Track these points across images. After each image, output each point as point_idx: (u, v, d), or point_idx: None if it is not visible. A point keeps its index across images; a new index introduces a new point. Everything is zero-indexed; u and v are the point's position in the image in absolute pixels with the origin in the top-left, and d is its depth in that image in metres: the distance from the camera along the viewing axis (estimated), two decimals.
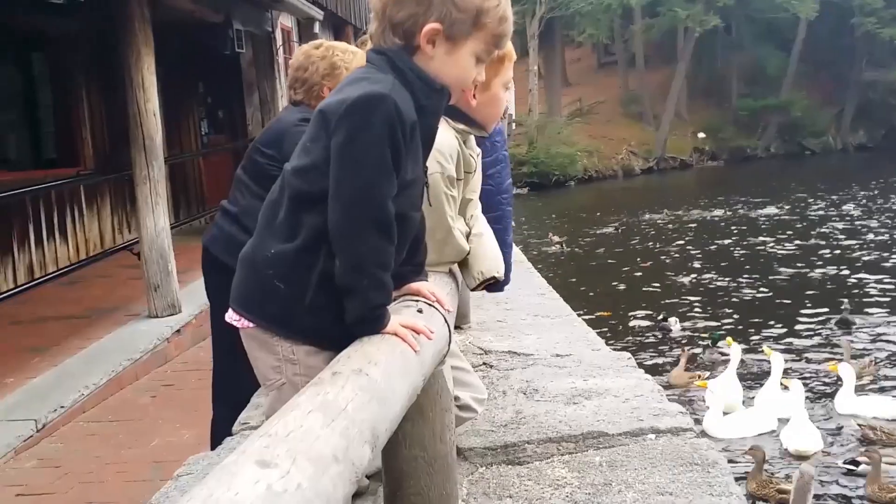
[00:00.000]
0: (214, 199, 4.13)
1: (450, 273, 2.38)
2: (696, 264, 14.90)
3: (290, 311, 1.74)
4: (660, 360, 9.24)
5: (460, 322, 4.05)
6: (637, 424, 2.58)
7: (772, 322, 10.58)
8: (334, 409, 1.23)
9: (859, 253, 15.04)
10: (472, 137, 2.43)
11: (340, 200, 1.63)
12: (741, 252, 15.91)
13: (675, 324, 10.29)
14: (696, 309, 11.61)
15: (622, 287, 13.44)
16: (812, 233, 17.51)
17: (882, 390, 7.92)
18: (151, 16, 6.48)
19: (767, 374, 7.83)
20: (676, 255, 16.01)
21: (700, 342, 9.83)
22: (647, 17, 37.06)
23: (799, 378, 7.73)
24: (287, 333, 1.77)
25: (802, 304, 11.40)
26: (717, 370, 8.43)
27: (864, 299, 11.53)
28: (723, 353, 9.02)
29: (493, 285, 2.79)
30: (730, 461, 5.60)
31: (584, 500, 2.18)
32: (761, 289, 12.61)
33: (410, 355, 1.63)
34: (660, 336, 10.23)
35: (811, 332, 10.10)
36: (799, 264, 14.21)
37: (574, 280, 13.88)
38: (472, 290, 2.44)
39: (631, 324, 10.81)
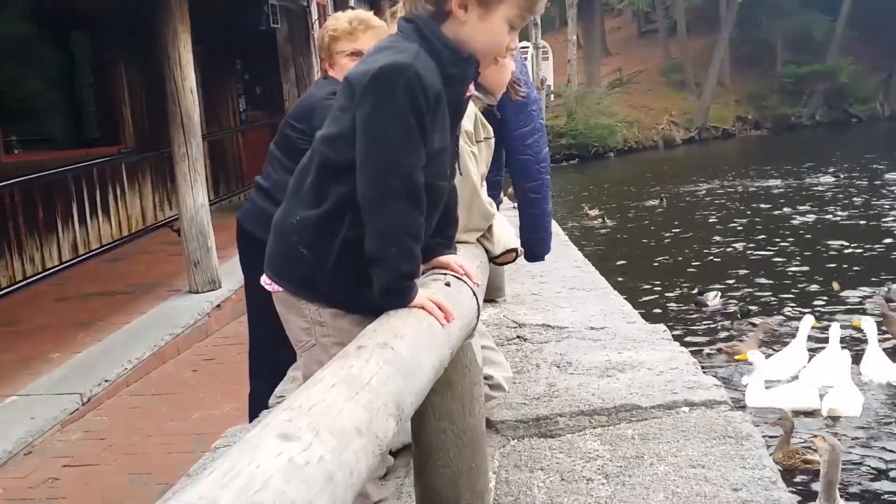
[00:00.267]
0: (253, 176, 4.18)
1: (478, 244, 2.38)
2: (739, 236, 14.65)
3: (314, 276, 1.77)
4: (693, 338, 9.12)
5: (495, 295, 4.05)
6: (671, 397, 2.57)
7: (813, 295, 10.38)
8: (358, 382, 1.24)
9: None
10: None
11: (367, 172, 1.64)
12: (785, 223, 15.61)
13: (713, 298, 10.14)
14: (737, 282, 11.44)
15: (663, 259, 13.29)
16: (857, 203, 17.12)
17: None
18: None
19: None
20: (719, 227, 15.77)
21: (736, 316, 9.69)
22: None
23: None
24: (313, 297, 1.80)
25: (845, 277, 11.16)
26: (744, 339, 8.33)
27: None
28: (753, 325, 8.92)
29: (531, 256, 2.79)
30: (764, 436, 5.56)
31: (615, 472, 2.17)
32: (804, 262, 12.37)
33: (437, 328, 1.63)
34: (695, 309, 10.11)
35: (853, 307, 9.88)
36: (844, 236, 13.90)
37: (613, 252, 13.76)
38: (493, 261, 2.43)
39: (668, 295, 10.71)
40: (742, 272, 11.98)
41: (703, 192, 20.55)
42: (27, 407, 4.63)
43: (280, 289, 1.83)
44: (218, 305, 6.52)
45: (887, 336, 7.92)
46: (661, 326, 3.49)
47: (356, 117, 1.65)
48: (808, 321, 7.79)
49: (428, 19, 1.71)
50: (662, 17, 39.28)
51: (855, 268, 11.81)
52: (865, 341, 7.48)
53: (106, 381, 5.04)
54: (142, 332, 5.85)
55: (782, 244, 13.61)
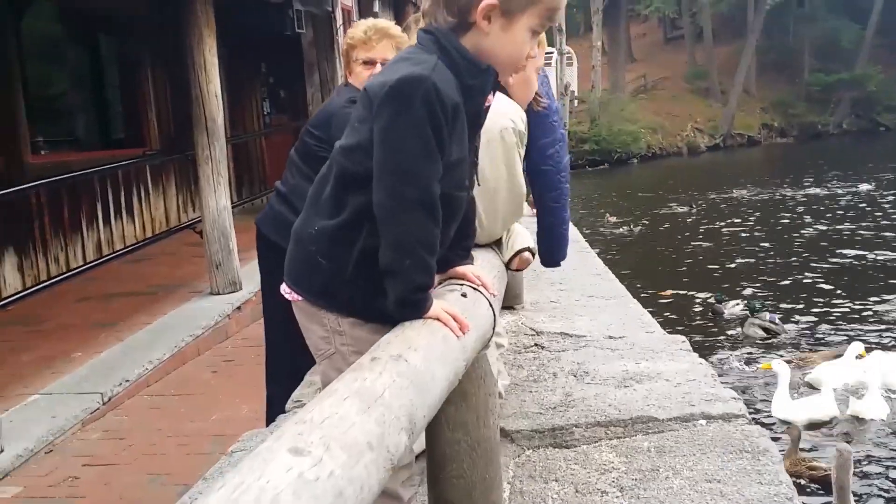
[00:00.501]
0: (276, 179, 4.23)
1: (496, 254, 2.38)
2: (762, 245, 14.54)
3: (332, 286, 1.78)
4: (713, 347, 9.05)
5: (513, 302, 4.05)
6: (688, 410, 2.55)
7: (837, 308, 10.26)
8: (371, 395, 1.24)
9: None
10: None
11: (383, 182, 1.65)
12: (810, 234, 15.46)
13: (732, 307, 10.06)
14: (759, 292, 11.34)
15: (684, 268, 13.21)
16: (891, 213, 16.88)
17: None
18: None
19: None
20: (744, 235, 15.64)
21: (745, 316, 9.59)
22: None
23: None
24: (332, 306, 1.81)
25: (869, 290, 11.00)
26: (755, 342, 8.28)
27: None
28: (766, 330, 8.85)
29: (548, 262, 2.80)
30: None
31: (630, 485, 2.16)
32: (830, 273, 12.21)
33: (452, 340, 1.63)
34: (711, 317, 10.04)
35: (878, 322, 9.73)
36: (870, 249, 13.72)
37: (634, 259, 13.70)
38: (507, 265, 2.45)
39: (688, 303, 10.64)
40: (766, 280, 11.89)
41: (730, 199, 20.40)
42: (49, 406, 4.68)
43: (299, 298, 1.84)
44: (238, 307, 6.56)
45: None
46: (681, 337, 3.47)
47: (374, 128, 1.66)
48: (856, 348, 7.67)
49: (447, 31, 1.71)
50: (688, 24, 39.09)
51: (881, 277, 11.67)
52: None
53: (126, 381, 5.09)
54: (163, 333, 5.90)
55: (806, 255, 13.47)
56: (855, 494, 4.90)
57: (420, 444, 1.95)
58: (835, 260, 13.03)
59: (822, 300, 10.69)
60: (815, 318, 9.89)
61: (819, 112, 36.61)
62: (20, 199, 6.92)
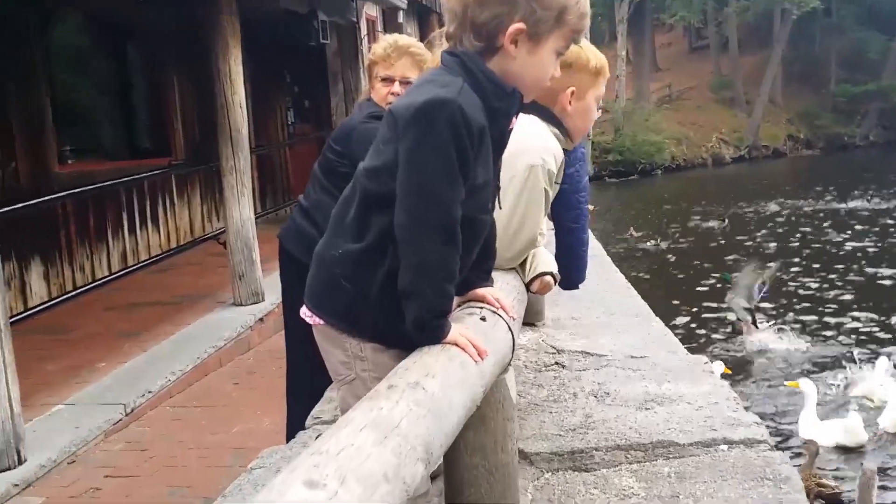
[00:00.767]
0: (300, 189, 4.28)
1: (517, 275, 2.37)
2: (791, 259, 14.36)
3: (356, 310, 1.77)
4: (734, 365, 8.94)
5: (534, 319, 4.03)
6: (709, 434, 2.52)
7: (866, 325, 10.11)
8: (387, 425, 1.23)
9: None
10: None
11: (406, 205, 1.64)
12: (838, 247, 15.28)
13: (763, 328, 9.95)
14: (785, 308, 11.20)
15: (710, 282, 13.06)
16: None
17: None
18: (239, 9, 6.63)
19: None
20: (768, 252, 15.47)
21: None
22: None
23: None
24: (354, 331, 1.79)
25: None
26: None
27: None
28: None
29: (566, 284, 2.78)
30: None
31: None
32: (857, 289, 12.01)
33: (470, 366, 1.62)
34: (729, 332, 9.95)
35: None
36: None
37: (660, 275, 13.59)
38: (528, 287, 2.43)
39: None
40: (791, 299, 11.74)
41: (758, 212, 20.18)
42: (72, 416, 4.73)
43: (321, 321, 1.83)
44: (261, 318, 6.59)
45: None
46: (703, 358, 3.43)
47: (399, 150, 1.66)
48: (883, 363, 7.59)
49: (473, 53, 1.71)
50: (714, 33, 38.90)
51: None
52: None
53: (149, 391, 5.13)
54: (186, 344, 5.94)
55: (836, 269, 13.28)
56: None
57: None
58: (862, 275, 12.86)
59: (847, 315, 10.56)
60: (840, 332, 9.77)
61: (846, 123, 36.25)
62: (47, 209, 7.01)
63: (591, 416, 2.75)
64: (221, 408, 5.15)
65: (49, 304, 6.75)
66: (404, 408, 1.31)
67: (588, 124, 2.53)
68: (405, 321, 1.67)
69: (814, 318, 10.61)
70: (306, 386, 3.31)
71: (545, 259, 2.39)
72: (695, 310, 11.19)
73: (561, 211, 2.71)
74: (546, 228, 2.47)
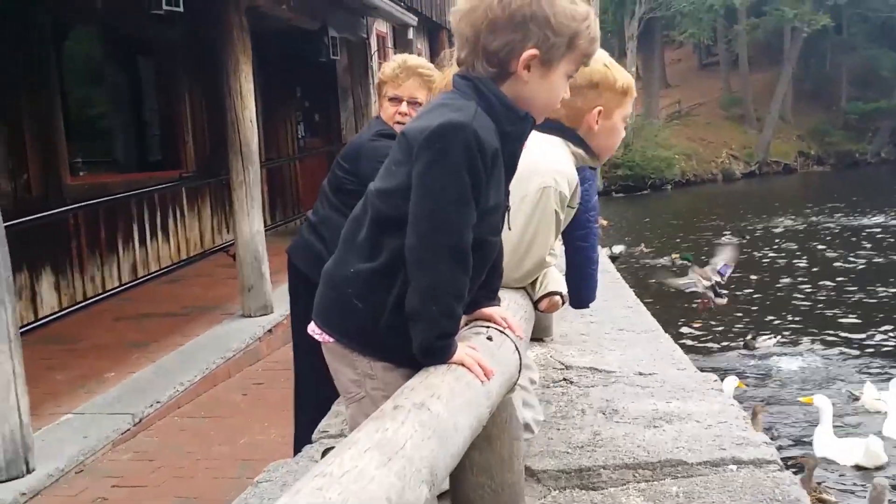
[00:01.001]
0: (309, 202, 4.31)
1: (524, 294, 2.36)
2: (799, 276, 14.30)
3: (367, 330, 1.76)
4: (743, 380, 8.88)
5: (542, 335, 4.03)
6: (718, 454, 2.50)
7: (877, 341, 10.05)
8: (392, 447, 1.23)
9: None
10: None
11: (418, 228, 1.64)
12: (847, 265, 15.18)
13: (763, 340, 9.90)
14: (790, 326, 11.13)
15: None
16: None
17: None
18: (251, 25, 6.68)
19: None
20: (777, 266, 15.41)
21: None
22: (752, 16, 35.96)
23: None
24: (365, 350, 1.79)
25: None
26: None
27: None
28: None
29: (576, 303, 2.78)
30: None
31: None
32: (867, 308, 11.92)
33: (477, 386, 1.61)
34: (746, 354, 9.90)
35: None
36: None
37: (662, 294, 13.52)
38: (536, 305, 2.42)
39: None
40: (801, 315, 11.68)
41: (768, 228, 20.09)
42: (81, 425, 4.74)
43: (330, 339, 1.83)
44: (269, 330, 6.60)
45: None
46: (712, 375, 3.42)
47: (412, 173, 1.66)
48: None
49: (486, 78, 1.72)
50: (724, 51, 38.93)
51: None
52: None
53: (158, 402, 5.14)
54: (195, 355, 5.95)
55: (847, 287, 13.19)
56: None
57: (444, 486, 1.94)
58: (872, 292, 12.79)
59: (858, 331, 10.50)
60: (851, 348, 9.72)
61: (856, 140, 36.20)
62: (58, 220, 7.05)
63: (598, 434, 2.74)
64: (229, 419, 5.16)
65: (59, 314, 6.78)
66: (409, 429, 1.31)
67: (615, 143, 2.51)
68: None
69: (824, 334, 10.55)
70: (312, 397, 3.33)
71: (555, 278, 2.39)
72: (699, 323, 11.15)
73: (570, 230, 2.71)
74: (559, 249, 2.47)
